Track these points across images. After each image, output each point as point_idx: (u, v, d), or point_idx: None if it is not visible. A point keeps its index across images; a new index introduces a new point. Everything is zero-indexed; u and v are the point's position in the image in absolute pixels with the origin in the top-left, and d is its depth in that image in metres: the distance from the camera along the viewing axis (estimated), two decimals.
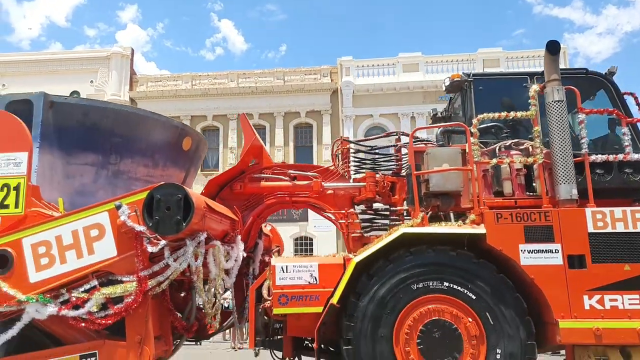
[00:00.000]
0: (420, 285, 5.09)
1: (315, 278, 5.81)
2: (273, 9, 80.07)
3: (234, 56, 72.65)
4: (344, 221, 6.50)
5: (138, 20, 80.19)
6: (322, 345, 6.50)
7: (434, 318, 5.03)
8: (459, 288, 5.03)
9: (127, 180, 6.43)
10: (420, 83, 27.01)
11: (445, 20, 77.50)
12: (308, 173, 6.73)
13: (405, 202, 6.59)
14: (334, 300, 5.20)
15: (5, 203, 5.43)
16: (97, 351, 5.16)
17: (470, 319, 5.00)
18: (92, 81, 27.08)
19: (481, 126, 5.62)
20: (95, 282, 5.07)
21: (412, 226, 5.34)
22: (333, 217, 6.82)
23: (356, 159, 6.88)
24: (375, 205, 6.93)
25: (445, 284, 5.05)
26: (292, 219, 24.88)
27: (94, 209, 5.19)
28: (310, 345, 6.58)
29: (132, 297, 4.95)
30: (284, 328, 6.15)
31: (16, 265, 5.11)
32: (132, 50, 28.68)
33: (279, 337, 6.51)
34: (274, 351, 6.46)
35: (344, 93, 27.58)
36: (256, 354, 6.62)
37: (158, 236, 5.03)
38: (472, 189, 5.32)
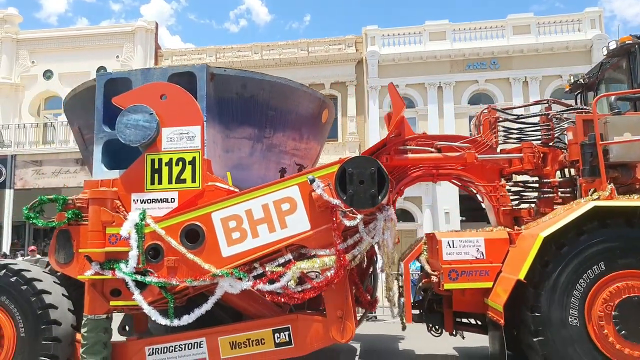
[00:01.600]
0: (623, 259, 4.93)
1: (482, 253, 5.73)
2: None
3: (258, 27, 70.62)
4: (494, 194, 6.38)
5: None
6: (475, 320, 6.49)
7: (635, 295, 4.88)
8: None
9: (278, 154, 6.28)
10: (447, 52, 26.19)
11: None
12: (455, 144, 6.53)
13: (558, 173, 6.49)
14: (521, 275, 5.00)
15: (182, 177, 5.31)
16: (289, 325, 5.10)
17: None
18: (117, 56, 26.50)
19: None
20: (289, 256, 5.00)
21: (599, 199, 5.21)
22: (479, 190, 6.70)
23: (503, 129, 6.68)
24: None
25: None
26: None
27: (284, 183, 5.10)
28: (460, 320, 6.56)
29: (333, 271, 4.87)
30: (448, 303, 6.10)
31: (207, 239, 5.04)
32: (157, 24, 28.02)
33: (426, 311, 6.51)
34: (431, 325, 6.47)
35: (370, 63, 26.89)
36: (404, 328, 6.60)
37: (354, 210, 4.95)
38: None
